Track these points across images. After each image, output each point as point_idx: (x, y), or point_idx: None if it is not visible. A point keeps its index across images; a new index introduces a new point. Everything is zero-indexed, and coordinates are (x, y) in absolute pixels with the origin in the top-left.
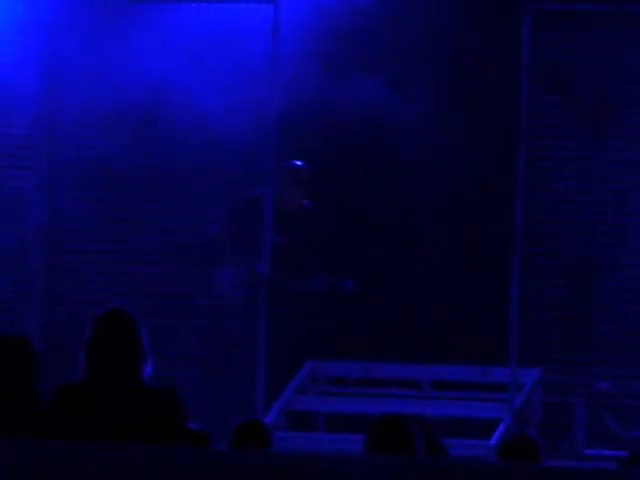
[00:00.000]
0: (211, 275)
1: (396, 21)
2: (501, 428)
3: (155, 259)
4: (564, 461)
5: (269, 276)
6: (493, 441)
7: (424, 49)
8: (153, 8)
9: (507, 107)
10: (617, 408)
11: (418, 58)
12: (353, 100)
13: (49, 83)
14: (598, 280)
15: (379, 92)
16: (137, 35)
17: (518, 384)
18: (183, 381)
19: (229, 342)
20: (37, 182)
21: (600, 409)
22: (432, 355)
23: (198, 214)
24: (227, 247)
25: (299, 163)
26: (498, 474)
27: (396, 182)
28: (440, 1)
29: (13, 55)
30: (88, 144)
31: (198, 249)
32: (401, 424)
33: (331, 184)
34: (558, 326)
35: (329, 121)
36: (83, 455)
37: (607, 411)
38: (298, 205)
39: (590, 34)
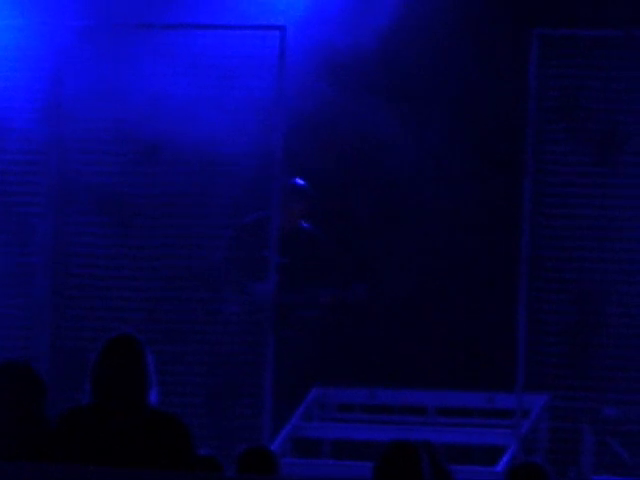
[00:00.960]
0: (217, 301)
1: (401, 51)
2: (507, 455)
3: (160, 285)
4: None
5: (275, 300)
6: (499, 468)
7: (429, 76)
8: (161, 34)
9: (514, 134)
10: (625, 434)
11: (423, 86)
12: (358, 125)
13: (56, 109)
14: (605, 306)
15: (383, 119)
16: (144, 60)
17: (524, 410)
18: (188, 407)
19: (235, 368)
20: (43, 207)
21: (607, 435)
22: (438, 381)
23: (205, 239)
24: (232, 272)
25: (301, 182)
26: None
27: (401, 205)
28: (445, 28)
29: (20, 81)
30: (95, 170)
31: (204, 274)
32: (410, 451)
33: (335, 205)
34: (565, 352)
35: (335, 145)
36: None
37: (614, 437)
38: (296, 224)
39: (598, 59)
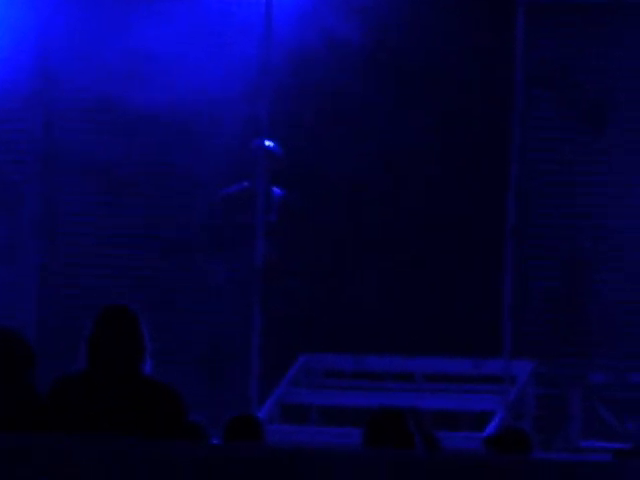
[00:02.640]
0: (204, 270)
1: (387, 20)
2: (495, 421)
3: (148, 254)
4: (559, 453)
5: (262, 268)
6: (487, 434)
7: (415, 47)
8: (146, 3)
9: (501, 103)
10: (612, 400)
11: (410, 57)
12: (344, 90)
13: (43, 76)
14: (591, 272)
15: (369, 86)
16: (129, 26)
17: (512, 377)
18: (177, 374)
19: (223, 336)
20: (31, 176)
21: (594, 401)
22: (425, 348)
23: (191, 207)
24: (220, 241)
25: (270, 144)
26: (490, 466)
27: (384, 171)
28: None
29: (5, 49)
30: (81, 138)
31: (190, 243)
32: (396, 417)
33: (321, 181)
34: (551, 318)
35: (322, 111)
36: (80, 447)
37: (602, 403)
38: (269, 191)
39: (586, 27)
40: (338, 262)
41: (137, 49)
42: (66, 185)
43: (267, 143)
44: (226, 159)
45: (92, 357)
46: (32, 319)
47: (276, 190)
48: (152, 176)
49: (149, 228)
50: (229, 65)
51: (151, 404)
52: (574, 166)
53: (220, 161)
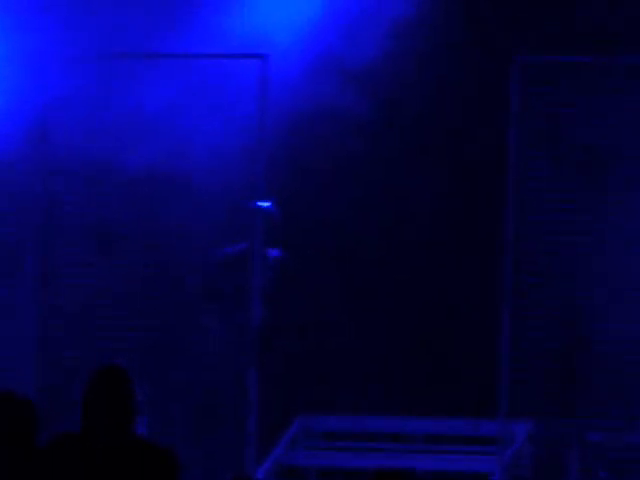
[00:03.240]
0: (200, 330)
1: (385, 79)
2: None
3: (145, 312)
4: None
5: (258, 329)
6: None
7: (412, 104)
8: (143, 63)
9: (496, 160)
10: (609, 460)
11: (406, 114)
12: (340, 155)
13: (42, 139)
14: (591, 331)
15: (367, 148)
16: (127, 89)
17: (509, 437)
18: (173, 436)
19: (219, 397)
20: (31, 238)
21: (592, 461)
22: (422, 408)
23: (188, 267)
24: (215, 301)
25: (267, 204)
26: None
27: (384, 233)
28: (428, 54)
29: (6, 111)
30: (80, 199)
31: (185, 304)
32: (397, 479)
33: (318, 230)
34: (549, 378)
35: (315, 173)
36: None
37: (599, 463)
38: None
39: (579, 85)
40: (336, 323)
41: (135, 108)
42: (64, 245)
43: (264, 204)
44: (223, 218)
45: (84, 419)
46: (30, 377)
47: (272, 251)
48: (150, 234)
49: (146, 286)
50: (226, 125)
51: (143, 466)
52: (569, 222)
53: (217, 220)
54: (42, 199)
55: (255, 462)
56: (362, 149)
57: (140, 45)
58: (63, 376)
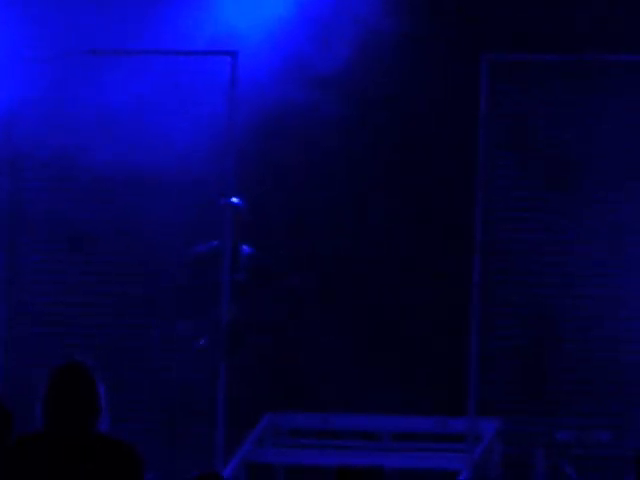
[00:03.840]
0: (169, 327)
1: (353, 77)
2: (460, 479)
3: (113, 311)
4: None
5: (228, 328)
6: None
7: (380, 100)
8: (112, 60)
9: (464, 160)
10: (577, 458)
11: (374, 108)
12: (310, 151)
13: (8, 136)
14: (557, 331)
15: (336, 146)
16: (95, 86)
17: (477, 435)
18: (142, 432)
19: (188, 394)
20: None
21: (560, 459)
22: (391, 406)
23: (158, 265)
24: (186, 299)
25: (236, 201)
26: None
27: (357, 235)
28: (395, 53)
29: None
30: (47, 196)
31: (157, 300)
32: (362, 477)
33: (289, 228)
34: (517, 376)
35: (287, 170)
36: None
37: (567, 461)
38: (236, 248)
39: (548, 84)
40: (305, 321)
41: (103, 105)
42: (32, 242)
43: (234, 200)
44: (193, 215)
45: (46, 417)
46: None
47: (245, 248)
48: (118, 233)
49: (115, 285)
50: (196, 122)
51: (106, 463)
52: (537, 223)
53: (187, 217)
54: (8, 196)
55: (223, 459)
56: (332, 146)
57: (109, 41)
58: (30, 375)
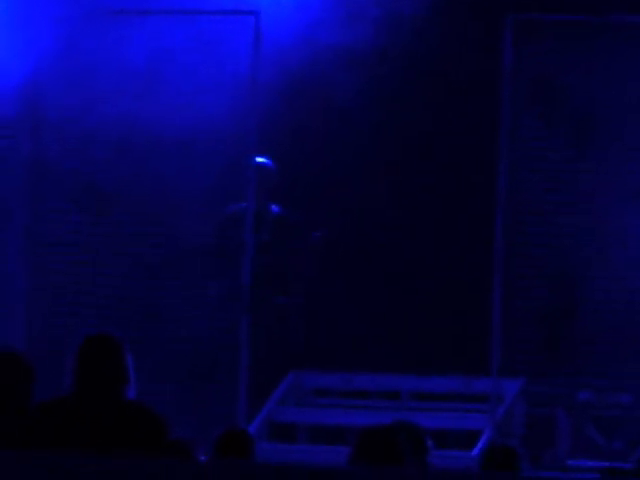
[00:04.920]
0: (193, 287)
1: (375, 36)
2: (483, 439)
3: (137, 271)
4: (547, 472)
5: (251, 288)
6: (475, 452)
7: (404, 60)
8: (135, 19)
9: (489, 119)
10: (599, 419)
11: (397, 68)
12: (334, 108)
13: (32, 95)
14: (580, 291)
15: (359, 103)
16: (120, 45)
17: (500, 395)
18: (165, 392)
19: (211, 353)
20: (19, 193)
21: (582, 420)
22: (414, 366)
23: (180, 225)
24: (212, 261)
25: (265, 161)
26: None
27: (379, 194)
28: (419, 14)
29: None
30: (70, 155)
31: (180, 260)
32: (389, 435)
33: (312, 195)
34: (540, 337)
35: (311, 129)
36: (68, 465)
37: (589, 422)
38: (264, 206)
39: (572, 45)
40: (329, 280)
41: (127, 66)
42: (54, 200)
43: (259, 159)
44: (215, 175)
45: (76, 385)
46: (21, 336)
47: (274, 207)
48: (141, 193)
49: (137, 246)
50: (220, 81)
51: (130, 427)
52: (561, 183)
53: (209, 177)
54: (29, 156)
55: (246, 418)
56: (354, 106)
57: (134, 1)
58: (51, 334)
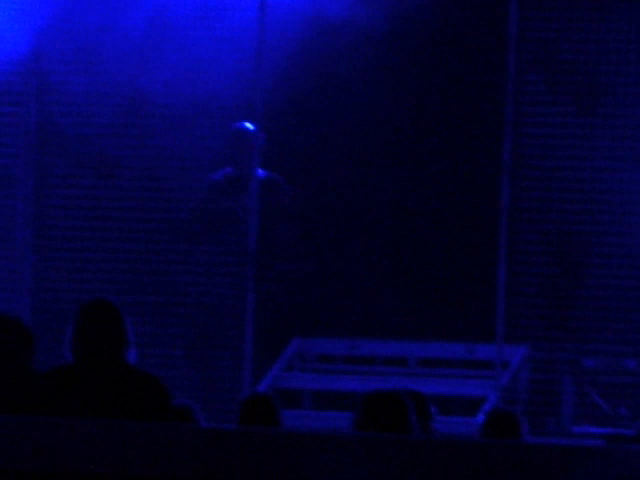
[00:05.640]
0: (197, 252)
1: (382, 3)
2: (487, 405)
3: (140, 237)
4: (551, 438)
5: (256, 254)
6: (479, 418)
7: (409, 26)
8: None
9: (493, 85)
10: (604, 385)
11: (402, 35)
12: (339, 78)
13: (36, 60)
14: (585, 257)
15: (363, 70)
16: (123, 12)
17: (504, 361)
18: (169, 358)
19: (216, 320)
20: (24, 159)
21: (587, 386)
22: (418, 332)
23: (184, 191)
24: (211, 226)
25: (251, 127)
26: (482, 450)
27: (383, 162)
28: None
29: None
30: (74, 122)
31: (183, 227)
32: (397, 400)
33: (316, 168)
34: (544, 303)
35: (317, 96)
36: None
37: (594, 388)
38: (250, 174)
39: (578, 11)
40: (332, 246)
41: (129, 33)
42: (56, 168)
43: (247, 125)
44: (221, 144)
45: (76, 351)
46: (26, 302)
47: (260, 172)
48: (145, 159)
49: (139, 212)
50: (225, 47)
51: (133, 392)
52: (567, 149)
53: (215, 146)
54: (36, 123)
55: (251, 384)
56: (360, 74)
57: None
58: (56, 300)
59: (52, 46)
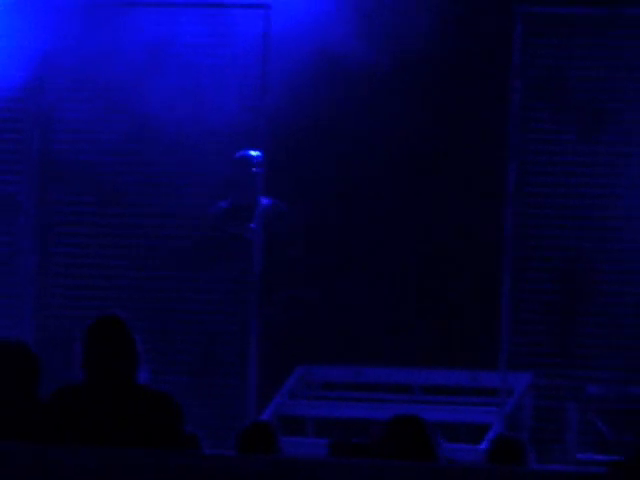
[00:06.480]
0: (202, 279)
1: (384, 30)
2: (492, 433)
3: (145, 263)
4: (556, 466)
5: (261, 279)
6: (483, 446)
7: (413, 52)
8: (144, 11)
9: (498, 112)
10: (609, 412)
11: (407, 60)
12: (343, 106)
13: (40, 87)
14: (590, 284)
15: (368, 99)
16: (128, 38)
17: (509, 389)
18: (173, 384)
19: (219, 347)
20: (27, 186)
21: (592, 413)
22: (422, 360)
23: (189, 218)
24: (217, 252)
25: (254, 153)
26: (489, 477)
27: (385, 185)
28: (428, 6)
29: (3, 59)
30: (78, 148)
31: (188, 253)
32: (419, 425)
33: (323, 189)
34: (549, 330)
35: (321, 124)
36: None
37: (599, 415)
38: (253, 201)
39: (582, 37)
40: (336, 274)
41: (134, 58)
42: (59, 194)
43: (251, 153)
44: (222, 170)
45: (87, 370)
46: (30, 329)
47: (264, 200)
48: (148, 185)
49: (143, 238)
50: (229, 74)
51: (148, 413)
52: (571, 176)
53: (216, 172)
54: (38, 148)
55: (256, 411)
56: (365, 98)
57: None
58: (61, 325)
59: (54, 72)
